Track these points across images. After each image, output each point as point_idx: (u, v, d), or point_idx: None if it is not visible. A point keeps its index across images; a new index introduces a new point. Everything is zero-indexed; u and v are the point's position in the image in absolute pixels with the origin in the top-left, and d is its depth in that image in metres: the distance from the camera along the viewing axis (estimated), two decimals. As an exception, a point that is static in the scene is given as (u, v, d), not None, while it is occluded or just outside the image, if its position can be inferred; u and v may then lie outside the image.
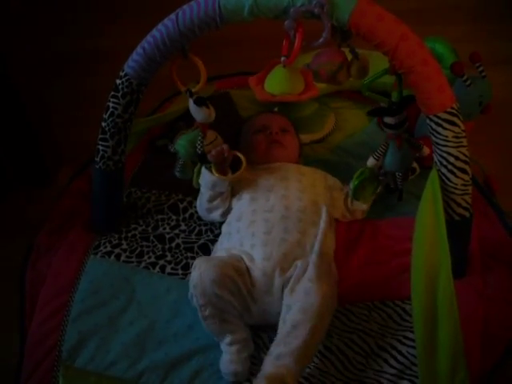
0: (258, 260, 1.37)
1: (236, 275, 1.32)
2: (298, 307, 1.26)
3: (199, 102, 1.43)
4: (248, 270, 1.36)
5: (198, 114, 1.45)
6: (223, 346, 1.31)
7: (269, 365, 1.22)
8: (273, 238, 1.39)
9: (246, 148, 1.64)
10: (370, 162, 1.53)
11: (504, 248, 1.54)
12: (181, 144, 1.52)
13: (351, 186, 1.53)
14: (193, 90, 1.43)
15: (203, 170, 1.53)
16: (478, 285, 1.42)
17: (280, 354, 1.22)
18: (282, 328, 1.26)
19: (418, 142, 1.53)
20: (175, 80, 1.43)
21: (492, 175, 1.80)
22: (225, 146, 1.48)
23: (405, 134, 1.46)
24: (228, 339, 1.30)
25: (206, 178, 1.52)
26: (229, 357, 1.29)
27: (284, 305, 1.30)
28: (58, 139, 1.98)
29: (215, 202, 1.54)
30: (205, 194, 1.54)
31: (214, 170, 1.49)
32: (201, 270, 1.30)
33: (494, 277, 1.45)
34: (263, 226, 1.42)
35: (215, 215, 1.57)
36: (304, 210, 1.47)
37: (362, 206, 1.58)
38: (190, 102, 1.44)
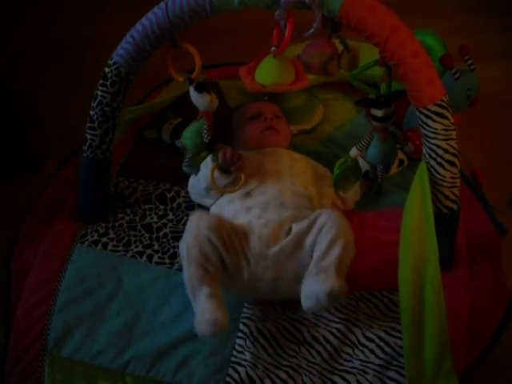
0: (256, 226, 1.37)
1: (232, 231, 1.33)
2: (330, 225, 1.30)
3: (200, 88, 1.41)
4: (244, 233, 1.36)
5: (200, 101, 1.42)
6: (199, 300, 1.25)
7: (314, 269, 1.27)
8: (269, 213, 1.40)
9: (239, 135, 1.64)
10: (353, 152, 1.53)
11: (490, 241, 1.55)
12: (186, 137, 1.49)
13: (333, 174, 1.53)
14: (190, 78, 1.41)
15: (206, 163, 1.51)
16: (465, 277, 1.43)
17: (320, 268, 1.26)
18: (318, 248, 1.30)
19: (403, 137, 1.53)
20: (170, 69, 1.41)
21: (479, 168, 1.82)
22: (238, 153, 1.47)
23: (391, 127, 1.46)
24: (206, 291, 1.24)
25: (206, 174, 1.50)
26: (207, 307, 1.22)
27: (316, 229, 1.32)
28: (45, 127, 1.97)
29: (211, 192, 1.52)
30: (203, 182, 1.52)
31: (216, 168, 1.47)
32: (198, 220, 1.31)
33: (480, 269, 1.46)
34: (258, 206, 1.43)
35: (207, 202, 1.56)
36: (297, 193, 1.48)
37: (354, 195, 1.59)
38: (191, 90, 1.42)
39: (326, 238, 1.30)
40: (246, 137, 1.63)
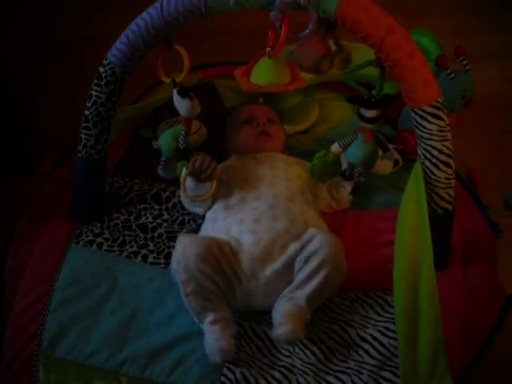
0: (247, 245, 1.37)
1: (220, 254, 1.33)
2: (315, 258, 1.30)
3: (182, 93, 1.41)
4: (234, 252, 1.36)
5: (181, 105, 1.43)
6: (205, 327, 1.30)
7: (284, 304, 1.29)
8: (261, 226, 1.39)
9: (232, 141, 1.64)
10: (335, 147, 1.52)
11: (485, 241, 1.56)
12: (163, 139, 1.50)
13: (311, 164, 1.53)
14: (176, 80, 1.41)
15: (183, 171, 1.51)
16: (459, 277, 1.43)
17: (293, 296, 1.29)
18: (299, 276, 1.31)
19: (387, 144, 1.53)
20: (160, 70, 1.42)
21: (474, 169, 1.82)
22: (208, 161, 1.46)
23: (381, 130, 1.46)
24: (210, 318, 1.29)
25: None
26: (213, 335, 1.27)
27: (300, 257, 1.33)
28: (41, 127, 1.96)
29: (195, 201, 1.52)
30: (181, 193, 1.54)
31: (187, 176, 1.48)
32: (184, 245, 1.31)
33: (474, 269, 1.46)
34: (251, 214, 1.42)
35: (197, 210, 1.56)
36: (292, 198, 1.47)
37: (347, 196, 1.58)
38: (174, 93, 1.43)
39: (309, 266, 1.31)
40: (239, 142, 1.62)
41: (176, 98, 1.43)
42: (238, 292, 1.35)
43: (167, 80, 1.42)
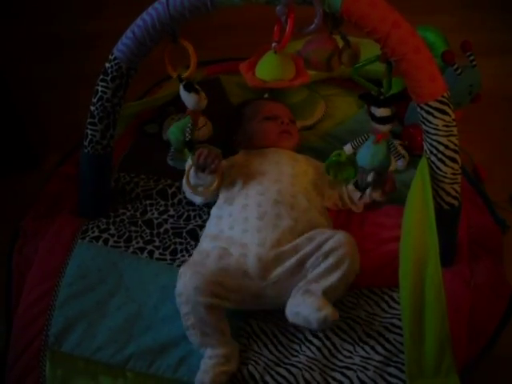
0: (252, 246, 1.36)
1: (223, 278, 1.32)
2: (334, 255, 1.30)
3: (188, 88, 1.42)
4: (238, 259, 1.35)
5: (188, 100, 1.44)
6: (203, 358, 1.29)
7: (300, 290, 1.29)
8: (265, 224, 1.39)
9: (250, 131, 1.63)
10: (347, 148, 1.52)
11: (491, 237, 1.55)
12: (172, 131, 1.52)
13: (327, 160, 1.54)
14: (183, 76, 1.42)
15: (188, 162, 1.52)
16: (466, 273, 1.42)
17: (309, 288, 1.28)
18: (316, 271, 1.31)
19: (398, 151, 1.52)
20: (167, 65, 1.42)
21: (480, 164, 1.81)
22: (213, 156, 1.46)
23: (391, 138, 1.44)
24: (208, 353, 1.29)
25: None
26: (203, 367, 1.27)
27: (318, 253, 1.32)
28: (45, 123, 1.97)
29: (199, 189, 1.52)
30: (184, 182, 1.53)
31: (191, 168, 1.48)
32: (185, 279, 1.30)
33: (481, 265, 1.46)
34: (256, 211, 1.42)
35: (196, 199, 1.57)
36: (296, 195, 1.47)
37: (356, 209, 1.58)
38: (181, 87, 1.43)
39: (328, 262, 1.31)
40: (260, 134, 1.62)
41: (182, 92, 1.44)
42: (247, 298, 1.35)
43: (174, 74, 1.42)
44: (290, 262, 1.34)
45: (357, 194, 1.54)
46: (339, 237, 1.33)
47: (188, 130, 1.48)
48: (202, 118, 1.52)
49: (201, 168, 1.47)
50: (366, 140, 1.46)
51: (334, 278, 1.29)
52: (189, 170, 1.50)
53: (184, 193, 1.62)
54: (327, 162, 1.53)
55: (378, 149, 1.41)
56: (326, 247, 1.32)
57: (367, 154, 1.43)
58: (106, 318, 1.37)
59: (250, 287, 1.34)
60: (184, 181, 1.52)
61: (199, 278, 1.29)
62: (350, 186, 1.55)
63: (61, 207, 1.62)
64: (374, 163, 1.42)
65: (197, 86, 1.45)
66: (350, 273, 1.31)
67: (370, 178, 1.47)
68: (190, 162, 1.50)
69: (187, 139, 1.49)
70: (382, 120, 1.39)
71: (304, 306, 1.26)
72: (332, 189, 1.57)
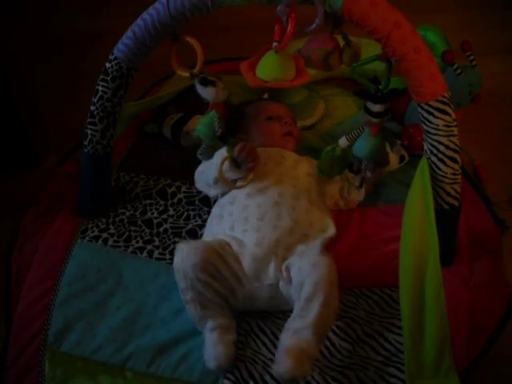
0: (249, 245, 1.37)
1: (219, 261, 1.32)
2: (309, 281, 1.26)
3: (204, 82, 1.40)
4: (236, 255, 1.36)
5: (207, 94, 1.42)
6: (206, 334, 1.30)
7: (287, 339, 1.23)
8: (265, 225, 1.39)
9: (253, 131, 1.63)
10: (342, 141, 1.52)
11: (491, 237, 1.55)
12: (199, 129, 1.48)
13: (319, 158, 1.52)
14: (194, 72, 1.39)
15: (220, 153, 1.49)
16: (465, 273, 1.42)
17: (297, 328, 1.23)
18: (297, 304, 1.27)
19: (394, 138, 1.52)
20: (175, 65, 1.40)
21: (481, 165, 1.81)
22: (255, 155, 1.44)
23: (387, 125, 1.45)
24: (209, 325, 1.30)
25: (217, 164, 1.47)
26: (210, 341, 1.28)
27: (295, 284, 1.29)
28: (46, 123, 1.96)
29: (218, 184, 1.50)
30: (214, 171, 1.48)
31: (227, 160, 1.44)
32: (183, 255, 1.30)
33: (480, 266, 1.46)
34: (256, 212, 1.42)
35: (213, 192, 1.55)
36: (298, 197, 1.47)
37: (357, 196, 1.58)
38: (197, 84, 1.41)
39: (305, 290, 1.26)
40: (263, 134, 1.62)
41: (199, 87, 1.41)
42: (240, 295, 1.35)
43: (185, 73, 1.39)
44: (280, 275, 1.34)
45: (358, 178, 1.53)
46: (312, 260, 1.30)
47: (217, 123, 1.45)
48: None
49: (239, 161, 1.44)
50: (361, 133, 1.46)
51: (316, 305, 1.24)
52: (223, 163, 1.44)
53: (184, 193, 1.61)
54: (322, 158, 1.51)
55: (375, 140, 1.42)
56: (301, 274, 1.29)
57: (364, 146, 1.43)
58: (105, 317, 1.37)
59: (243, 287, 1.34)
60: (216, 172, 1.45)
61: (197, 255, 1.30)
62: (349, 174, 1.55)
63: (60, 207, 1.62)
64: (371, 153, 1.44)
65: (212, 78, 1.42)
66: (330, 296, 1.26)
67: (364, 164, 1.47)
68: (224, 153, 1.45)
69: (218, 133, 1.45)
70: (377, 114, 1.39)
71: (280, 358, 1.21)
72: (331, 184, 1.57)
